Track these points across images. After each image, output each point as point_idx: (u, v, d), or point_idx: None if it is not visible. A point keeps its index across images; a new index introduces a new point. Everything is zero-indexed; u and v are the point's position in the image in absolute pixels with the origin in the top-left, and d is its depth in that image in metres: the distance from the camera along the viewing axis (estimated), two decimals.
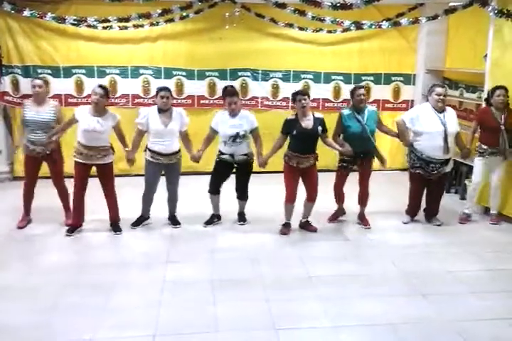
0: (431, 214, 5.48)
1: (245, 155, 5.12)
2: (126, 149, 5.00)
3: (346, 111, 5.16)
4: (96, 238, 5.02)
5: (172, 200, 5.31)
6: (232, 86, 5.41)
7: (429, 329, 3.40)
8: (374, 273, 4.25)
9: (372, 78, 7.66)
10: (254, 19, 6.95)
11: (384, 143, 6.98)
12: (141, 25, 6.81)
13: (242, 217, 5.47)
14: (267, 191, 5.90)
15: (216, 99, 7.42)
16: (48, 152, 5.01)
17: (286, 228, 5.17)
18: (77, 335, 3.29)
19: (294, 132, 4.87)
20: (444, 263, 4.47)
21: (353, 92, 5.14)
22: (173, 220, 5.35)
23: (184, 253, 4.69)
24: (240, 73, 7.43)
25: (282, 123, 4.98)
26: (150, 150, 5.05)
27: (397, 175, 7.18)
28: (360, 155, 5.10)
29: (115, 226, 5.14)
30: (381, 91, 7.72)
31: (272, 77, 7.51)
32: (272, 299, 3.76)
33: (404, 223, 5.45)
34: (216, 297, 3.79)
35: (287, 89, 7.50)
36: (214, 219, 5.40)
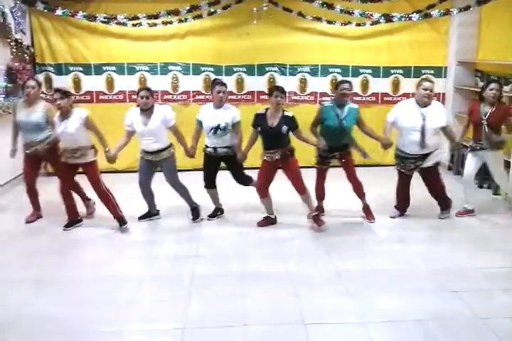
0: (441, 208, 5.41)
1: (228, 147, 5.13)
2: (106, 149, 4.98)
3: (327, 104, 5.11)
4: (122, 232, 5.11)
5: (181, 194, 5.35)
6: (220, 79, 5.55)
7: (460, 326, 3.36)
8: (402, 269, 4.22)
9: (401, 71, 7.55)
10: (282, 13, 6.94)
11: None
12: (170, 22, 6.87)
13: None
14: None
15: (244, 94, 7.46)
16: (42, 152, 5.10)
17: (262, 221, 5.25)
18: (107, 327, 3.37)
19: (259, 128, 4.92)
20: (471, 259, 4.39)
21: (337, 86, 5.06)
22: (193, 214, 5.39)
23: (211, 247, 4.74)
24: (267, 68, 7.43)
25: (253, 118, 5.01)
26: (141, 148, 5.16)
27: None
28: (335, 150, 5.04)
29: (119, 220, 5.14)
30: (411, 85, 7.58)
31: (300, 72, 7.48)
32: (300, 294, 3.77)
33: (391, 217, 5.39)
34: (245, 291, 3.82)
35: (315, 84, 7.50)
36: (217, 212, 5.48)
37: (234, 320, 3.42)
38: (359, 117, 5.08)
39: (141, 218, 5.39)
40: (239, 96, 7.44)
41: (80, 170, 5.12)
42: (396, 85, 7.60)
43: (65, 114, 4.86)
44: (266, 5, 6.60)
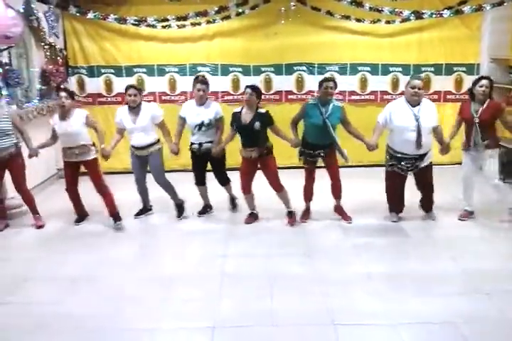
0: (426, 210, 5.32)
1: (211, 142, 5.22)
2: (102, 146, 5.12)
3: (311, 101, 5.08)
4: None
5: (167, 191, 5.45)
6: (203, 76, 5.63)
7: (493, 328, 3.30)
8: (434, 270, 4.15)
9: (432, 69, 7.43)
10: (310, 13, 6.92)
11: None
12: (199, 23, 6.94)
13: (233, 203, 5.69)
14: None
15: (272, 94, 7.47)
16: (7, 157, 5.03)
17: (250, 217, 5.33)
18: (140, 325, 3.42)
19: (234, 126, 4.99)
20: (506, 260, 4.30)
21: (321, 84, 4.99)
22: (178, 210, 5.52)
23: (240, 247, 4.75)
24: (295, 68, 7.42)
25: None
26: (131, 144, 5.29)
27: (458, 170, 6.87)
28: (319, 148, 5.00)
29: (115, 217, 5.29)
30: (442, 83, 7.48)
31: (329, 71, 7.43)
32: (330, 294, 3.76)
33: (394, 221, 5.24)
34: (273, 291, 3.83)
35: (344, 83, 7.42)
36: (206, 209, 5.59)
37: (263, 320, 3.44)
38: (344, 116, 5.00)
39: (137, 215, 5.54)
40: (267, 96, 7.42)
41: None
42: (427, 83, 7.44)
43: (65, 114, 5.03)
44: (294, 4, 6.58)
